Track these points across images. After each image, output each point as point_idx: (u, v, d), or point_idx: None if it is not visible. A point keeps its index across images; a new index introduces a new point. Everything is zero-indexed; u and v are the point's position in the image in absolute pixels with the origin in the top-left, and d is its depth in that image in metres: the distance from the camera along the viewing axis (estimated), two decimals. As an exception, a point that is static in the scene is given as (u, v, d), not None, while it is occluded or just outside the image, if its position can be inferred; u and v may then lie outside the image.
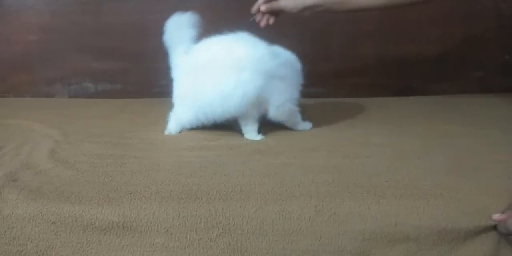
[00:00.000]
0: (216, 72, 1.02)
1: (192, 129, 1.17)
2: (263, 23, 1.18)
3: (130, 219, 0.73)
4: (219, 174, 0.86)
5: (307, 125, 1.17)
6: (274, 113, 1.08)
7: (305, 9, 1.12)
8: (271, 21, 1.18)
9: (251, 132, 1.09)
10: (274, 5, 1.15)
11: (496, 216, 0.74)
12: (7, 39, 1.51)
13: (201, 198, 0.76)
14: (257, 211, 0.75)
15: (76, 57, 1.53)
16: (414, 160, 0.94)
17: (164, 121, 1.24)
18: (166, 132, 1.13)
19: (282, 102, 1.07)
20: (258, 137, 1.08)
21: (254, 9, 1.19)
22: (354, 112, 1.36)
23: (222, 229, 0.74)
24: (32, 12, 1.49)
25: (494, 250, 0.75)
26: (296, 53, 1.12)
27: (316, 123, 1.18)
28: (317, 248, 0.74)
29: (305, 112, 1.17)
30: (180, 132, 1.13)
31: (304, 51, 1.13)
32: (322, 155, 0.96)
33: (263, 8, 1.16)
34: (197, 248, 0.73)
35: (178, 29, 1.12)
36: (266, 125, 1.12)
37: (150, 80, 1.56)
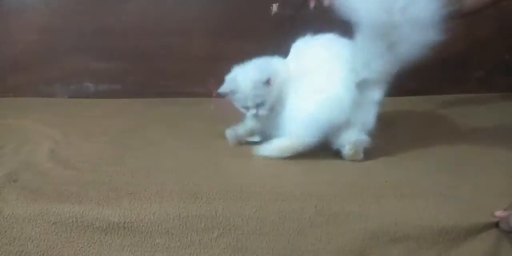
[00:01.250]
0: None
1: (192, 129, 1.18)
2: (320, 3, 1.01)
3: (130, 220, 0.73)
4: (219, 174, 0.86)
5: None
6: None
7: None
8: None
9: None
10: None
11: (499, 213, 0.74)
12: (7, 39, 1.51)
13: (202, 198, 0.76)
14: (257, 211, 0.75)
15: (76, 57, 1.53)
16: (414, 159, 0.94)
17: (163, 121, 1.24)
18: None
19: None
20: None
21: None
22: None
23: (223, 229, 0.74)
24: (32, 12, 1.49)
25: (494, 248, 0.75)
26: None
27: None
28: (317, 248, 0.74)
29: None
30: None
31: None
32: (322, 155, 0.96)
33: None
34: (198, 248, 0.73)
35: None
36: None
37: (150, 80, 1.55)
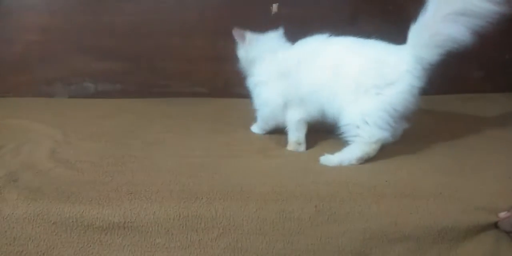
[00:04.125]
0: None
1: (192, 129, 1.18)
2: None
3: (130, 219, 0.73)
4: (219, 174, 0.86)
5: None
6: None
7: None
8: None
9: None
10: None
11: (503, 214, 0.75)
12: (7, 39, 1.51)
13: (202, 198, 0.76)
14: (257, 211, 0.75)
15: (76, 57, 1.52)
16: (414, 159, 0.94)
17: (163, 121, 1.24)
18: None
19: None
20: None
21: None
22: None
23: (223, 229, 0.74)
24: (32, 12, 1.49)
25: (494, 248, 0.75)
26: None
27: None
28: (317, 248, 0.74)
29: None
30: None
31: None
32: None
33: None
34: (198, 248, 0.73)
35: None
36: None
37: (150, 80, 1.55)
